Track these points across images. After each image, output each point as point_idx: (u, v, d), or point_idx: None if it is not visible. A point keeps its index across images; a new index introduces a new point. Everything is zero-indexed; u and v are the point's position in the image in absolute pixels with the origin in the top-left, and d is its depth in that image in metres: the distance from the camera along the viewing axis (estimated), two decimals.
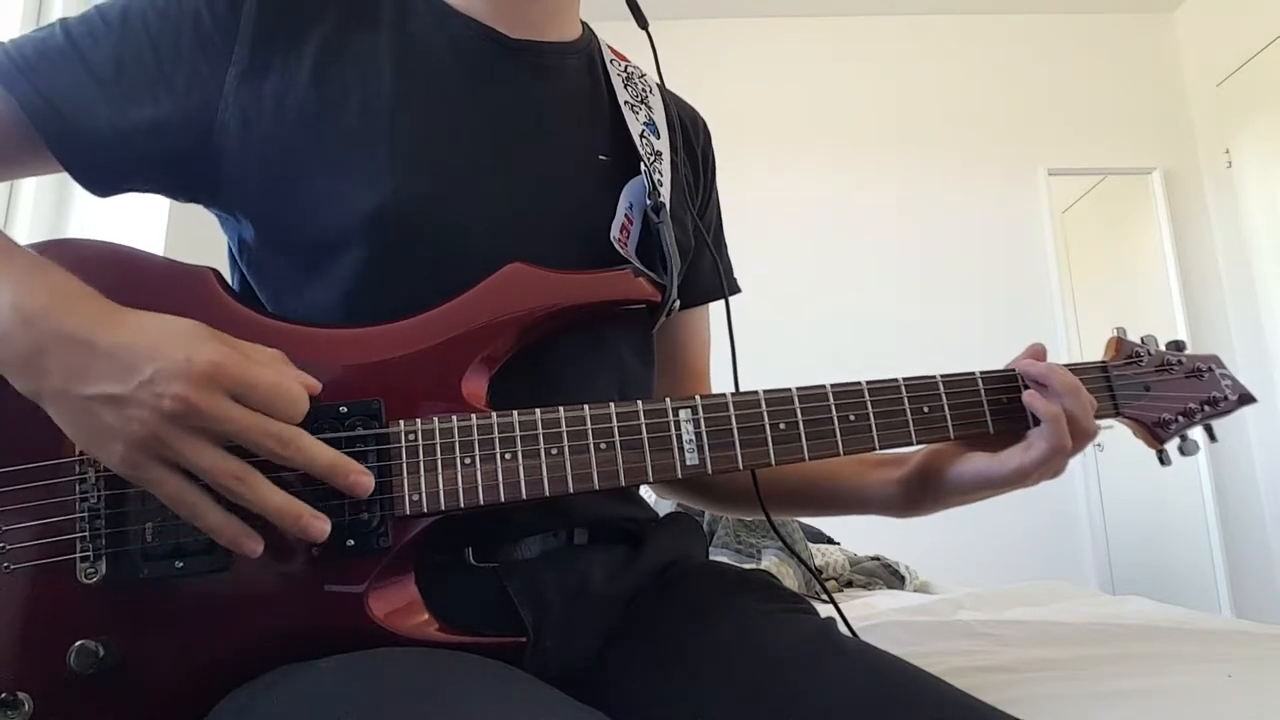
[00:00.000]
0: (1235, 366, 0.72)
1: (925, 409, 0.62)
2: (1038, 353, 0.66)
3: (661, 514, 0.75)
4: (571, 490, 0.55)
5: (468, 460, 0.54)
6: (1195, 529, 3.26)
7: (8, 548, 0.51)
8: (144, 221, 1.48)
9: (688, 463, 0.57)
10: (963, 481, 0.66)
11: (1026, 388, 0.64)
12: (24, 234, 1.44)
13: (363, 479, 0.49)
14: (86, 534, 0.51)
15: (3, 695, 0.48)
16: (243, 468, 0.47)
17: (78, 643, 0.49)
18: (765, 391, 0.59)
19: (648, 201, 0.67)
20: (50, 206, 1.49)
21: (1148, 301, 3.52)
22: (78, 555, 0.51)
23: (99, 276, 0.52)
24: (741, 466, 0.58)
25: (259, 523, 0.48)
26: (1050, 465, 0.63)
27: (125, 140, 0.58)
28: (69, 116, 0.56)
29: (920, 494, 0.69)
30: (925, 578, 2.20)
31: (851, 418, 0.60)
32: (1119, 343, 0.71)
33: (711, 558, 0.78)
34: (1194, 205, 3.50)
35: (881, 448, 0.61)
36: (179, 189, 0.63)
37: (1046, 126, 3.55)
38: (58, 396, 0.47)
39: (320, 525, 0.48)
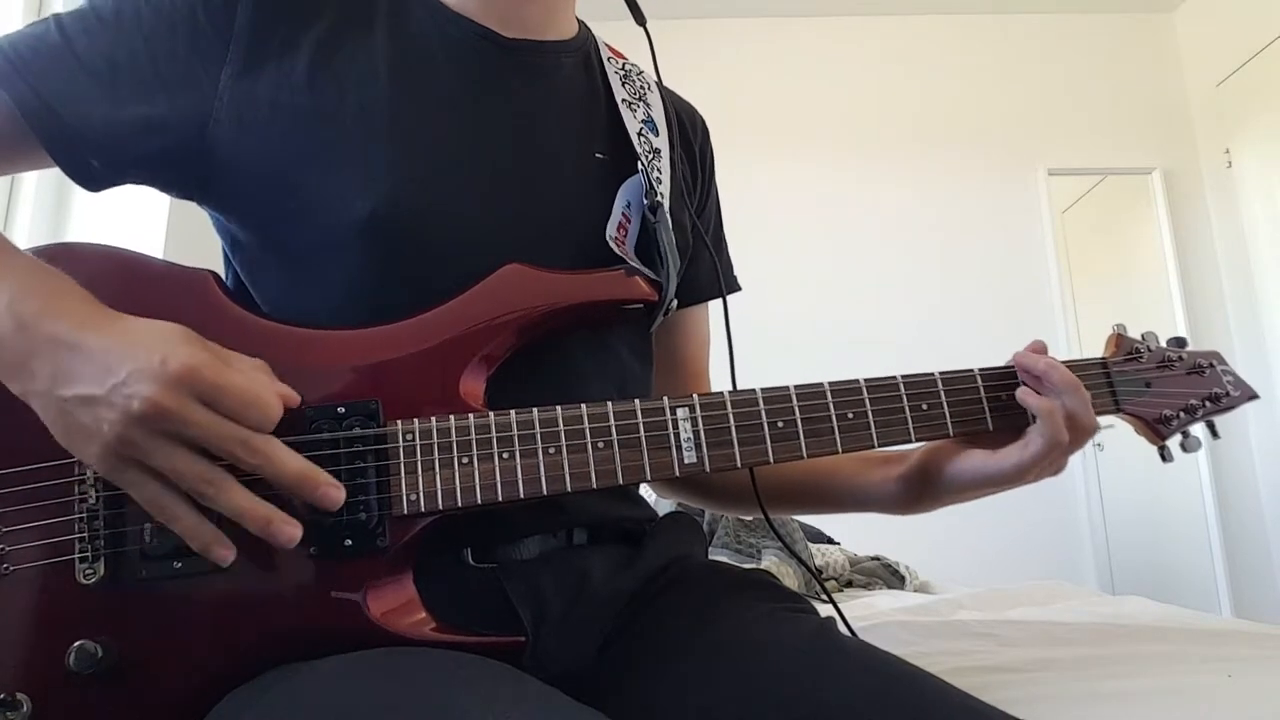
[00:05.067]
0: (1235, 366, 0.72)
1: (924, 406, 0.62)
2: (1038, 348, 0.66)
3: (661, 514, 0.75)
4: (569, 489, 0.55)
5: (465, 460, 0.54)
6: (1195, 529, 3.25)
7: (7, 549, 0.51)
8: (144, 221, 1.48)
9: (685, 461, 0.57)
10: (961, 479, 0.66)
11: (1023, 384, 0.64)
12: (24, 234, 1.44)
13: (332, 491, 0.49)
14: (85, 535, 0.51)
15: (2, 696, 0.48)
16: (212, 470, 0.47)
17: (77, 643, 0.49)
18: (763, 390, 0.59)
19: (645, 201, 0.67)
20: (50, 206, 1.49)
21: (1148, 301, 3.51)
22: (76, 556, 0.51)
23: (101, 280, 0.52)
24: (740, 464, 0.58)
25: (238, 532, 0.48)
26: (1049, 462, 0.62)
27: (119, 139, 0.58)
28: (64, 115, 0.56)
29: (920, 492, 0.69)
30: (925, 578, 2.19)
31: (850, 415, 0.60)
32: (1119, 339, 0.71)
33: (711, 558, 0.78)
34: (1194, 205, 3.50)
35: (880, 445, 0.61)
36: (173, 186, 0.63)
37: (1046, 126, 3.55)
38: (42, 397, 0.47)
39: (290, 531, 0.48)
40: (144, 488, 0.47)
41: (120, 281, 0.56)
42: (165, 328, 0.48)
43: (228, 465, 0.48)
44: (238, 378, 0.47)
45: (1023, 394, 0.63)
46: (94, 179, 0.60)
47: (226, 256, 0.67)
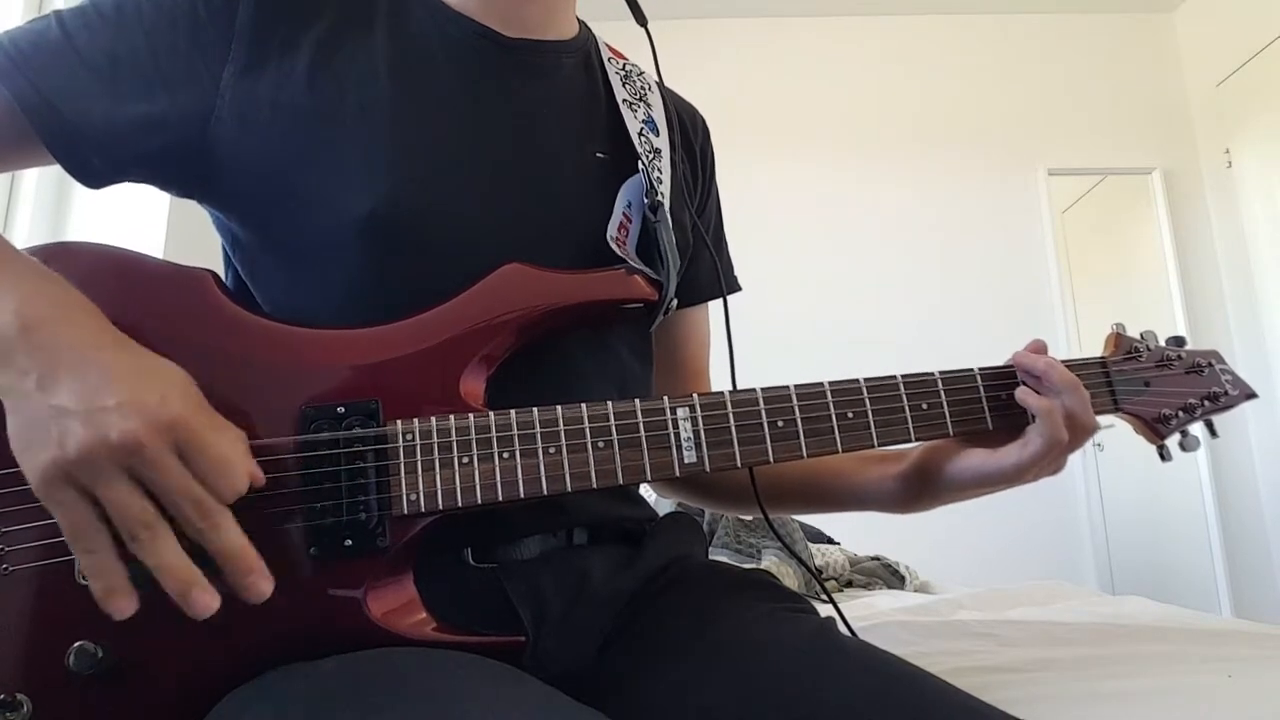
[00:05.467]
0: (1235, 366, 0.72)
1: (924, 406, 0.62)
2: (1038, 348, 0.66)
3: (662, 513, 0.75)
4: (569, 489, 0.55)
5: (465, 460, 0.54)
6: (1195, 529, 3.25)
7: (7, 549, 0.51)
8: (144, 221, 1.48)
9: (685, 461, 0.57)
10: (961, 478, 0.66)
11: (1022, 383, 0.64)
12: (24, 233, 1.44)
13: (262, 584, 0.47)
14: None
15: (2, 696, 0.48)
16: (154, 516, 0.45)
17: (76, 644, 0.49)
18: (763, 389, 0.59)
19: (645, 200, 0.67)
20: (50, 206, 1.49)
21: (1148, 301, 3.51)
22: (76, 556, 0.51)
23: (99, 280, 0.52)
24: (740, 464, 0.58)
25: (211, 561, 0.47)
26: (1049, 461, 0.62)
27: (120, 136, 0.58)
28: (64, 112, 0.56)
29: (919, 490, 0.69)
30: (925, 578, 2.19)
31: (850, 415, 0.60)
32: (1118, 338, 0.71)
33: (711, 558, 0.78)
34: (1194, 205, 3.50)
35: (880, 445, 0.61)
36: (173, 184, 0.63)
37: (1046, 126, 3.55)
38: (25, 397, 0.45)
39: (208, 600, 0.45)
40: (73, 511, 0.44)
41: (118, 281, 0.55)
42: (173, 370, 0.48)
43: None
44: (222, 442, 0.47)
45: (1022, 393, 0.63)
46: (94, 176, 0.60)
47: (226, 255, 0.67)
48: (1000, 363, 0.66)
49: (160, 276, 0.58)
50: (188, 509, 0.45)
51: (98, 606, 0.50)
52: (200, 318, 0.51)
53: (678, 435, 0.57)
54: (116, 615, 0.45)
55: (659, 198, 0.67)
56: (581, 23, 0.76)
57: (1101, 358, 0.69)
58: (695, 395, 0.58)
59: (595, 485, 0.55)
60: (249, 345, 0.55)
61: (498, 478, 0.54)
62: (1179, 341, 0.72)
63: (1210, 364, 0.71)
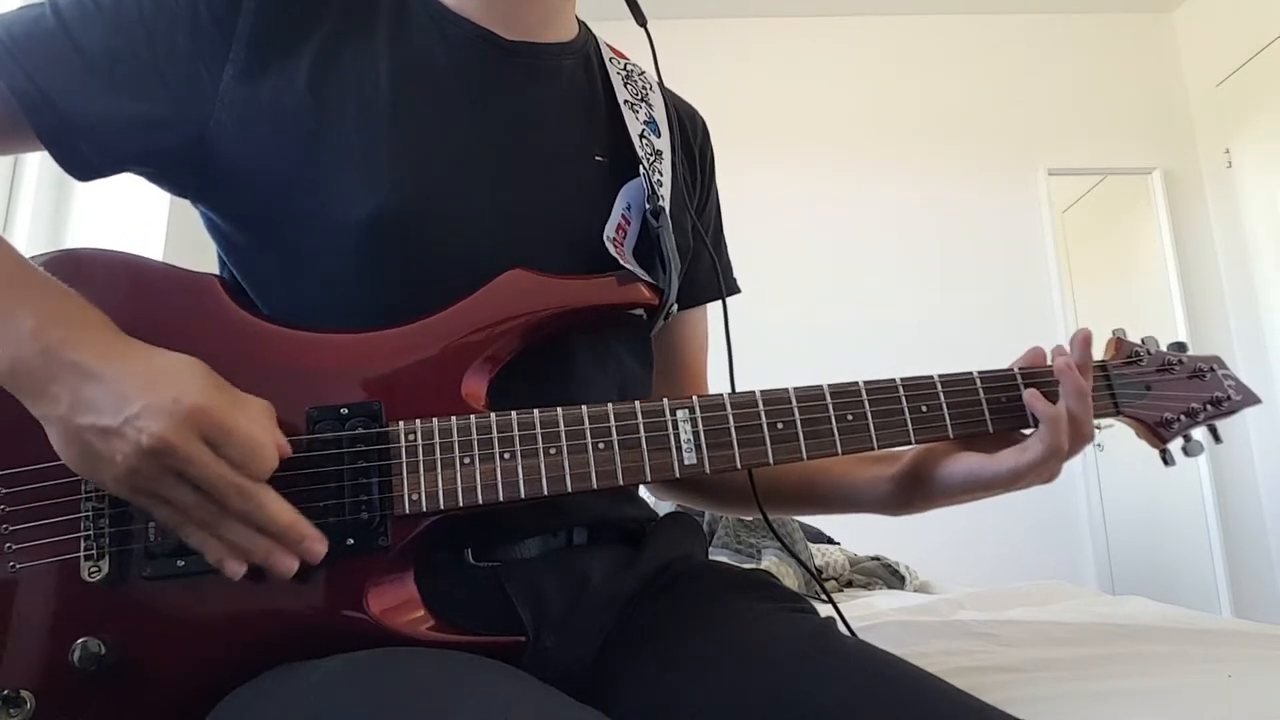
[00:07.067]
0: (1235, 367, 0.72)
1: (923, 408, 0.62)
2: (1037, 357, 0.66)
3: (661, 515, 0.75)
4: (570, 490, 0.55)
5: (467, 460, 0.54)
6: (1195, 529, 3.25)
7: (13, 547, 0.51)
8: (144, 222, 1.48)
9: (685, 462, 0.57)
10: (954, 481, 0.65)
11: (1027, 386, 0.64)
12: (24, 234, 1.44)
13: (316, 546, 0.50)
14: (90, 533, 0.51)
15: (6, 692, 0.49)
16: (212, 504, 0.48)
17: (81, 640, 0.49)
18: (762, 392, 0.59)
19: (646, 205, 0.67)
20: (50, 207, 1.49)
21: (1148, 301, 3.51)
22: (82, 553, 0.51)
23: (108, 287, 0.52)
24: (739, 466, 0.58)
25: None
26: (1045, 468, 0.62)
27: (116, 134, 0.57)
28: (59, 104, 0.55)
29: (911, 492, 0.69)
30: (925, 578, 2.20)
31: (849, 417, 0.60)
32: (1118, 343, 0.71)
33: (711, 558, 0.78)
34: (1194, 205, 3.50)
35: (880, 447, 0.61)
36: (168, 182, 0.63)
37: (1046, 126, 3.55)
38: (60, 423, 0.48)
39: (289, 562, 0.49)
40: (158, 510, 0.49)
41: (127, 288, 0.56)
42: (183, 363, 0.49)
43: None
44: (244, 423, 0.48)
45: (1030, 397, 0.63)
46: (87, 170, 0.59)
47: (221, 260, 0.66)
48: (1000, 365, 0.66)
49: (167, 282, 0.58)
50: (228, 497, 0.48)
51: (102, 603, 0.51)
52: (207, 322, 0.52)
53: (677, 437, 0.57)
54: (232, 578, 0.49)
55: (661, 202, 0.67)
56: (582, 23, 0.76)
57: (1102, 361, 0.69)
58: (695, 397, 0.58)
59: (595, 486, 0.55)
60: (255, 348, 0.55)
61: (499, 478, 0.54)
62: (1180, 347, 0.72)
63: (1212, 369, 0.70)
